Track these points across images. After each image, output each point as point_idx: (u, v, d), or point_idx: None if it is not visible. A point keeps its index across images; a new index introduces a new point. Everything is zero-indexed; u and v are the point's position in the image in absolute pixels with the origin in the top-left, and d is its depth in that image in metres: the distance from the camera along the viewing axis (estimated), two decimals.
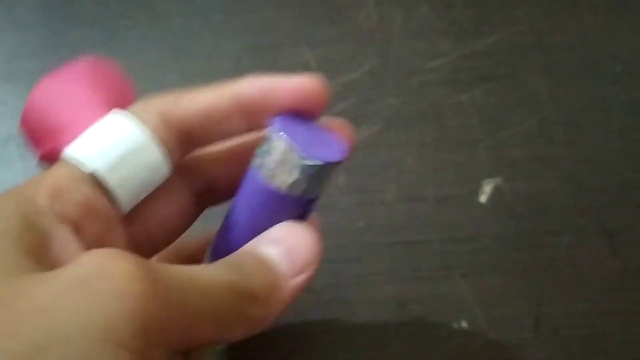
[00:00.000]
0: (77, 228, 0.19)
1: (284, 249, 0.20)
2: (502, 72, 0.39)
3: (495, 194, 0.35)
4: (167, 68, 0.40)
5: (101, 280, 0.15)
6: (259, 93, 0.21)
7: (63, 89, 0.23)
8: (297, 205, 0.21)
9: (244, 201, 0.22)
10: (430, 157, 0.36)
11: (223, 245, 0.22)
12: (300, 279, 0.20)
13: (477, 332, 0.31)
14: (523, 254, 0.34)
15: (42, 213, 0.18)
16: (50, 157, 0.21)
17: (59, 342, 0.14)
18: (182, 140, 0.21)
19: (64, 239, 0.18)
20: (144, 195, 0.21)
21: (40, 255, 0.17)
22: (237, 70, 0.42)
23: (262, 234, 0.21)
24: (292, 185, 0.20)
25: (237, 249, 0.21)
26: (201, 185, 0.24)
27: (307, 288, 0.28)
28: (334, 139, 0.22)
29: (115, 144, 0.20)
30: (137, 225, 0.21)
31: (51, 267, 0.17)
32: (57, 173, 0.20)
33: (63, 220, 0.18)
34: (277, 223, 0.21)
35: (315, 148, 0.20)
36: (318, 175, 0.20)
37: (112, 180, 0.20)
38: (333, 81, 0.38)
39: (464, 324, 0.32)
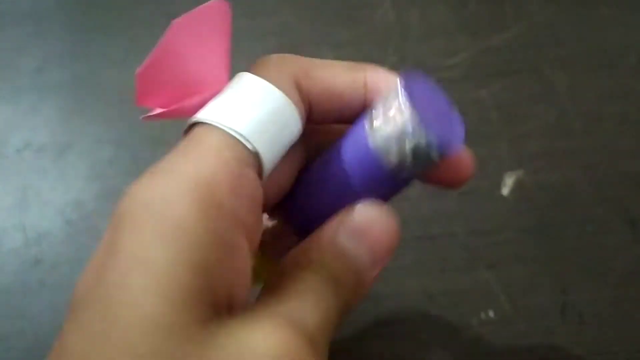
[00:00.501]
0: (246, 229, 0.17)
1: (368, 245, 0.19)
2: (519, 66, 0.40)
3: (517, 187, 0.36)
4: None
5: None
6: (386, 87, 0.20)
7: (194, 37, 0.20)
8: (395, 181, 0.19)
9: (339, 159, 0.20)
10: None
11: (304, 203, 0.21)
12: (378, 270, 0.20)
13: (505, 322, 0.32)
14: (547, 244, 0.34)
15: (227, 220, 0.16)
16: (172, 114, 0.19)
17: None
18: (306, 111, 0.20)
19: (242, 255, 0.17)
20: (278, 160, 0.20)
21: (219, 289, 0.16)
22: None
23: (345, 217, 0.19)
24: (401, 160, 0.18)
25: (318, 215, 0.20)
26: (311, 151, 0.22)
27: None
28: (454, 118, 0.19)
29: (261, 111, 0.18)
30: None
31: (228, 304, 0.16)
32: (222, 153, 0.17)
33: (241, 226, 0.17)
34: (368, 194, 0.19)
35: (437, 125, 0.18)
36: (432, 156, 0.18)
37: (262, 151, 0.18)
38: None
39: (492, 314, 0.32)
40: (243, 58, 0.43)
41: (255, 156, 0.18)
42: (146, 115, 0.19)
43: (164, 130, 0.36)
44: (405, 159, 0.18)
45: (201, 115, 0.18)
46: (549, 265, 0.34)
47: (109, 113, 0.38)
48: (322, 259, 0.19)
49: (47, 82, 0.40)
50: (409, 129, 0.17)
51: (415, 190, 0.36)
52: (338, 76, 0.21)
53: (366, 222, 0.19)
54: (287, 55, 0.21)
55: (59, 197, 0.36)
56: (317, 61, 0.21)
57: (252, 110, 0.18)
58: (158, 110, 0.19)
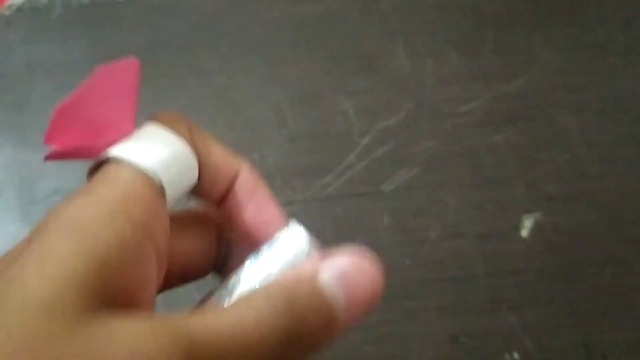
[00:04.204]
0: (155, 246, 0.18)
1: (346, 287, 0.19)
2: (532, 112, 0.41)
3: (536, 229, 0.36)
4: (215, 120, 0.42)
5: None
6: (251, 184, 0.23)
7: (110, 86, 0.22)
8: None
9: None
10: (469, 195, 0.38)
11: None
12: (357, 318, 0.19)
13: None
14: (568, 285, 0.35)
15: (136, 229, 0.17)
16: (77, 154, 0.21)
17: None
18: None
19: (148, 263, 0.18)
20: (179, 198, 0.21)
21: (116, 285, 0.17)
22: (279, 120, 0.45)
23: (331, 259, 0.19)
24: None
25: None
26: (223, 243, 0.23)
27: (362, 324, 0.29)
28: None
29: (166, 153, 0.20)
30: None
31: (126, 304, 0.17)
32: (134, 182, 0.19)
33: (150, 238, 0.18)
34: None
35: None
36: None
37: (167, 186, 0.20)
38: (372, 128, 0.41)
39: (516, 355, 0.33)
40: (264, 107, 0.45)
41: (161, 189, 0.19)
42: (49, 154, 0.20)
43: None
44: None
45: (114, 152, 0.20)
46: (571, 306, 0.34)
47: None
48: (297, 292, 0.18)
49: None
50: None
51: (434, 232, 0.37)
52: (219, 148, 0.22)
53: (349, 263, 0.19)
54: (178, 114, 0.22)
55: None
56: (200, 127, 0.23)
57: (157, 152, 0.20)
58: (63, 149, 0.20)
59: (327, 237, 0.36)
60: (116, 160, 0.19)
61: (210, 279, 0.23)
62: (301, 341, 0.18)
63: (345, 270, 0.19)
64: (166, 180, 0.19)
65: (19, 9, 0.48)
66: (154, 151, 0.20)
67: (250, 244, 0.22)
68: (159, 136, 0.21)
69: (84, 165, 0.40)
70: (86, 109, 0.21)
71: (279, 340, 0.17)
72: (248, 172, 0.22)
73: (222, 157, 0.22)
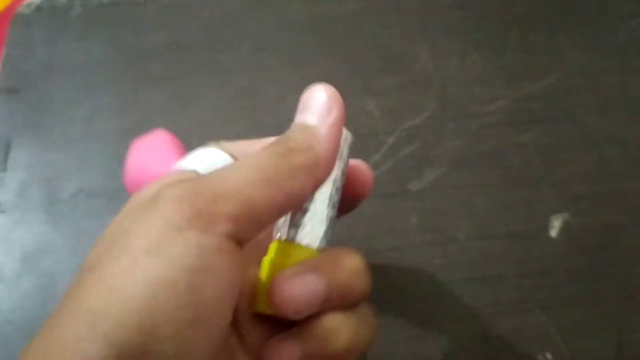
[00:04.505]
0: None
1: (309, 108, 0.24)
2: (557, 112, 0.41)
3: (565, 229, 0.36)
4: (236, 121, 0.42)
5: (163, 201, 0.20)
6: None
7: (150, 151, 0.32)
8: None
9: None
10: (497, 195, 0.38)
11: None
12: (330, 118, 0.23)
13: None
14: (599, 285, 0.34)
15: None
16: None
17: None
18: None
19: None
20: None
21: None
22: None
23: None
24: None
25: None
26: None
27: (394, 324, 0.29)
28: None
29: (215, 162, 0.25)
30: None
31: None
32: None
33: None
34: None
35: None
36: None
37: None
38: (397, 128, 0.40)
39: (549, 356, 0.32)
40: (287, 109, 0.45)
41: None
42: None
43: None
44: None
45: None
46: (603, 307, 0.34)
47: None
48: (282, 135, 0.23)
49: (97, 131, 0.41)
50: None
51: (463, 232, 0.36)
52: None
53: (305, 100, 0.24)
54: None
55: None
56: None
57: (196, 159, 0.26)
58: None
59: (355, 238, 0.36)
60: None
61: None
62: (295, 150, 0.22)
63: (304, 105, 0.24)
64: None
65: (38, 8, 0.48)
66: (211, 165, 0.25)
67: None
68: (210, 155, 0.26)
69: (106, 165, 0.40)
70: (138, 169, 0.32)
71: (272, 149, 0.22)
72: None
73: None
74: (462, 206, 0.37)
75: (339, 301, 0.23)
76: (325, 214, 0.24)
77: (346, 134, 0.25)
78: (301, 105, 0.24)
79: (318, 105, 0.24)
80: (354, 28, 0.45)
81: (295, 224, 0.24)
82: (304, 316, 0.22)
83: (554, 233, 0.36)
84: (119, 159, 0.40)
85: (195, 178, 0.21)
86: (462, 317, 0.33)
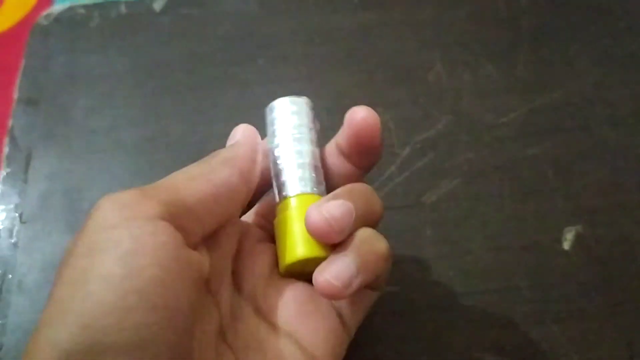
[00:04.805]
0: None
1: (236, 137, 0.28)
2: (569, 124, 0.41)
3: (577, 241, 0.37)
4: None
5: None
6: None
7: None
8: None
9: None
10: (510, 207, 0.38)
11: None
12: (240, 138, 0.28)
13: None
14: (611, 298, 0.35)
15: None
16: None
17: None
18: None
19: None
20: None
21: None
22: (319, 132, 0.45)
23: None
24: None
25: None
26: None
27: (408, 335, 0.30)
28: None
29: None
30: None
31: None
32: None
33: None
34: None
35: None
36: None
37: None
38: (411, 139, 0.41)
39: None
40: None
41: None
42: None
43: None
44: None
45: None
46: (615, 319, 0.34)
47: (177, 168, 0.40)
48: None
49: (119, 141, 0.42)
50: None
51: (476, 244, 0.37)
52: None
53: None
54: None
55: None
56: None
57: None
58: None
59: None
60: None
61: None
62: (212, 157, 0.26)
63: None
64: None
65: (57, 19, 0.49)
66: None
67: None
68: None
69: (127, 175, 0.41)
70: None
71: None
72: None
73: None
74: (475, 218, 0.38)
75: (363, 219, 0.25)
76: (301, 162, 0.27)
77: (305, 100, 0.29)
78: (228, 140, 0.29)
79: (234, 135, 0.29)
80: (368, 40, 0.46)
81: (280, 185, 0.27)
82: (345, 236, 0.24)
83: (566, 245, 0.37)
84: (139, 169, 0.41)
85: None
86: (475, 328, 0.34)
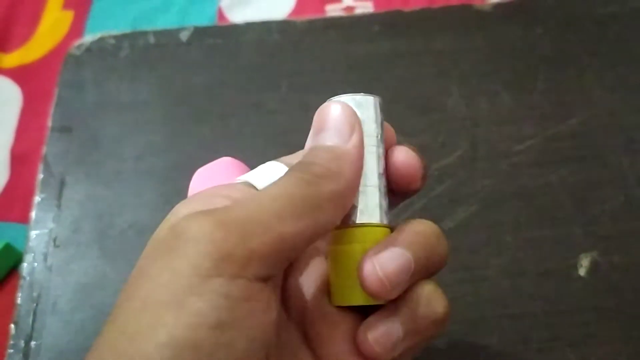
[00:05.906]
0: None
1: (328, 129, 0.23)
2: (585, 152, 0.42)
3: (593, 268, 0.38)
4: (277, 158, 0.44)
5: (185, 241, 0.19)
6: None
7: (211, 179, 0.33)
8: None
9: None
10: (526, 234, 0.39)
11: None
12: (355, 139, 0.23)
13: None
14: (627, 325, 0.36)
15: None
16: None
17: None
18: None
19: None
20: None
21: None
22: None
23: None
24: None
25: None
26: None
27: None
28: None
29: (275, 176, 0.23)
30: None
31: None
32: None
33: None
34: None
35: None
36: None
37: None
38: (429, 167, 0.42)
39: None
40: None
41: None
42: None
43: None
44: None
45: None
46: (630, 345, 0.35)
47: None
48: (301, 160, 0.23)
49: (147, 168, 0.44)
50: None
51: (492, 270, 0.38)
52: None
53: (320, 119, 0.24)
54: None
55: None
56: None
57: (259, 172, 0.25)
58: None
59: None
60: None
61: None
62: (323, 176, 0.21)
63: (320, 125, 0.24)
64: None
65: (88, 49, 0.51)
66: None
67: None
68: (271, 169, 0.25)
69: (156, 201, 0.42)
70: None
71: (297, 178, 0.21)
72: None
73: None
74: (492, 244, 0.39)
75: (424, 270, 0.22)
76: (375, 184, 0.23)
77: (376, 99, 0.25)
78: (317, 125, 0.24)
79: (337, 124, 0.23)
80: (386, 68, 0.47)
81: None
82: (400, 293, 0.22)
83: (582, 272, 0.37)
84: (168, 194, 0.43)
85: (219, 210, 0.20)
86: (492, 354, 0.35)
